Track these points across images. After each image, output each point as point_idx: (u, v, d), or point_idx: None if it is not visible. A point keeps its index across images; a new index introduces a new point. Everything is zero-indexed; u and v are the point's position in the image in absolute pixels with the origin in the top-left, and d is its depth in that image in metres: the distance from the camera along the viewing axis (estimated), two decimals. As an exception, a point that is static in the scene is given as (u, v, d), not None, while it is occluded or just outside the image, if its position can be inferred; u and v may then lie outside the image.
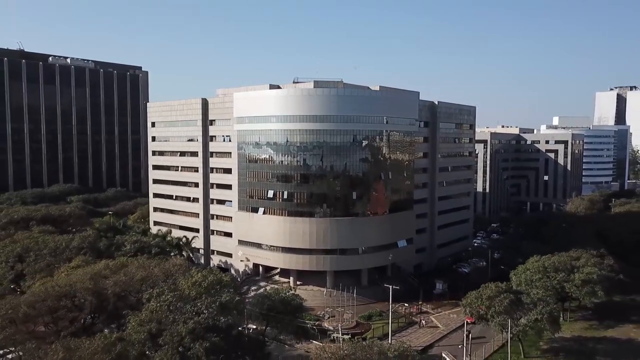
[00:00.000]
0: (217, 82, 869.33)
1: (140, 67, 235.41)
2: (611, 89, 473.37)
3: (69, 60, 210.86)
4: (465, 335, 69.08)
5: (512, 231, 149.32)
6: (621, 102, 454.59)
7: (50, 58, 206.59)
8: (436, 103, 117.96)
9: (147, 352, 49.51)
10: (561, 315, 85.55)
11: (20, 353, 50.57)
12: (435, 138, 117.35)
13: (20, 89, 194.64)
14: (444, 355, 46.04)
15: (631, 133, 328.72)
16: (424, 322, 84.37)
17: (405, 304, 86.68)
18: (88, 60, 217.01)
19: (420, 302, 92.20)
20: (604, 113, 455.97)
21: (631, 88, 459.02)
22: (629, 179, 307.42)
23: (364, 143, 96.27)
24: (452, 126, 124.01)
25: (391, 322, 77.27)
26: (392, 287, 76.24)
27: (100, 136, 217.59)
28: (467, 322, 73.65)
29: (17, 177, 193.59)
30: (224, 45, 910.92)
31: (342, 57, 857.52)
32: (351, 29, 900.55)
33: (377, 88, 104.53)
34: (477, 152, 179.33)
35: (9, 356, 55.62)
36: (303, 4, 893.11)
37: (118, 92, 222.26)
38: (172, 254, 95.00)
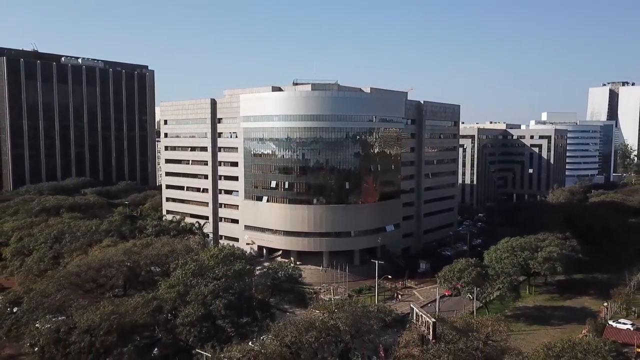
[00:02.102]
0: (220, 79, 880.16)
1: (147, 66, 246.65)
2: (604, 85, 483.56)
3: (80, 60, 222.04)
4: (437, 298, 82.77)
5: (494, 219, 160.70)
6: (613, 97, 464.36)
7: (62, 58, 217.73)
8: (422, 102, 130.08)
9: (177, 307, 61.88)
10: (527, 289, 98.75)
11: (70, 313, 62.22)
12: (421, 134, 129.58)
13: (35, 87, 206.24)
14: (412, 306, 57.84)
15: (618, 128, 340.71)
16: (399, 296, 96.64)
17: (389, 276, 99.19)
18: (98, 60, 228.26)
19: (405, 279, 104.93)
20: (596, 108, 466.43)
21: (623, 84, 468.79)
22: (615, 172, 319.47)
23: (356, 139, 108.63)
24: (437, 123, 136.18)
25: (377, 295, 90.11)
26: (377, 262, 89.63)
27: (110, 132, 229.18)
28: (445, 294, 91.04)
29: (33, 171, 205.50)
30: (226, 44, 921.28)
31: (342, 53, 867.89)
32: (351, 28, 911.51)
33: (369, 90, 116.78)
34: (465, 147, 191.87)
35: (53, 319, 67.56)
36: (304, 3, 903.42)
37: (126, 90, 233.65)
38: (186, 237, 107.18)
